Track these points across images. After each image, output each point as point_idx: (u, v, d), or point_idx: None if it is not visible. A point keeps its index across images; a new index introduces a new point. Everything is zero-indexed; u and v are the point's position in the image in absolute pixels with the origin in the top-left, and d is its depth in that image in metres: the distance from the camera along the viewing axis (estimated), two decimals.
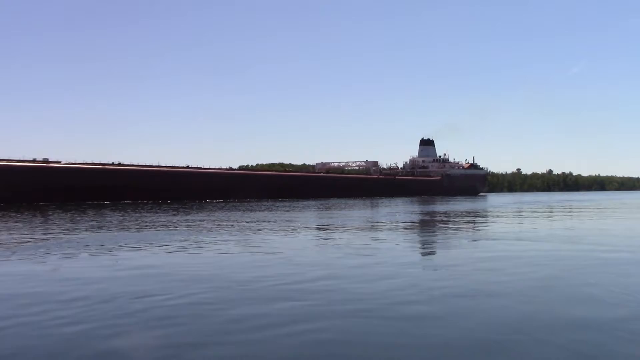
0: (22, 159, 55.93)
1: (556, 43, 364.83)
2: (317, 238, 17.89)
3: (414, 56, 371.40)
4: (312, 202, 58.78)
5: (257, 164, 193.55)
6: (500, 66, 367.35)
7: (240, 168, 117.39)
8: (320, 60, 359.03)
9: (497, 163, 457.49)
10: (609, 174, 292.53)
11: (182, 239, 16.51)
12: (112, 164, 64.31)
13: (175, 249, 13.95)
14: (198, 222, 24.26)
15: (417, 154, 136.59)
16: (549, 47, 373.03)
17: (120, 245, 14.64)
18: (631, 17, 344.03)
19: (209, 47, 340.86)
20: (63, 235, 17.70)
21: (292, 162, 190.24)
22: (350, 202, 61.57)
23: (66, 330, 6.03)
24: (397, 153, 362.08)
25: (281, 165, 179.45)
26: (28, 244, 15.20)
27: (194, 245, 14.70)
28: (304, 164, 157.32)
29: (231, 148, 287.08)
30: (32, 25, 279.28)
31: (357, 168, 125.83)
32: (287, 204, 54.40)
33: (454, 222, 26.13)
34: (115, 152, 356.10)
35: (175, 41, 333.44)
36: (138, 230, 20.23)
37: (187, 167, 74.67)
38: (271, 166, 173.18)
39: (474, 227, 22.96)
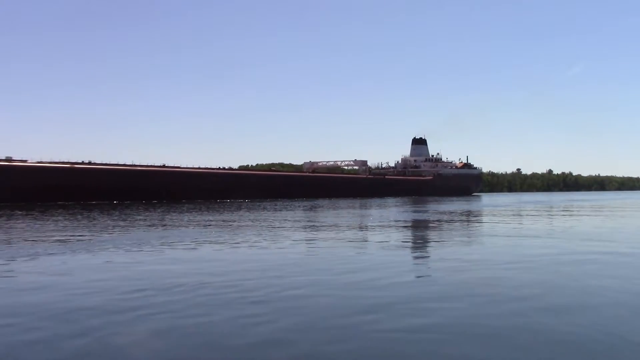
0: None
1: (556, 43, 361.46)
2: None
3: (412, 56, 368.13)
4: (295, 204, 56.44)
5: (257, 164, 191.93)
6: (500, 66, 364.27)
7: (240, 168, 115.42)
8: (319, 60, 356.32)
9: (497, 163, 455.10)
10: (609, 174, 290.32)
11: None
12: (82, 163, 61.96)
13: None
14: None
15: (409, 154, 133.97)
16: (549, 47, 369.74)
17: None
18: (631, 17, 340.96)
19: (209, 47, 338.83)
20: None
21: (292, 162, 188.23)
22: (337, 203, 58.93)
23: None
24: (390, 152, 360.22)
25: (281, 165, 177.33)
26: None
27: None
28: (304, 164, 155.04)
29: (231, 148, 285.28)
30: (32, 25, 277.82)
31: (346, 167, 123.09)
32: (261, 205, 52.05)
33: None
34: (115, 152, 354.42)
35: (175, 41, 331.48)
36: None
37: (163, 165, 72.25)
38: (270, 166, 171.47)
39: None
